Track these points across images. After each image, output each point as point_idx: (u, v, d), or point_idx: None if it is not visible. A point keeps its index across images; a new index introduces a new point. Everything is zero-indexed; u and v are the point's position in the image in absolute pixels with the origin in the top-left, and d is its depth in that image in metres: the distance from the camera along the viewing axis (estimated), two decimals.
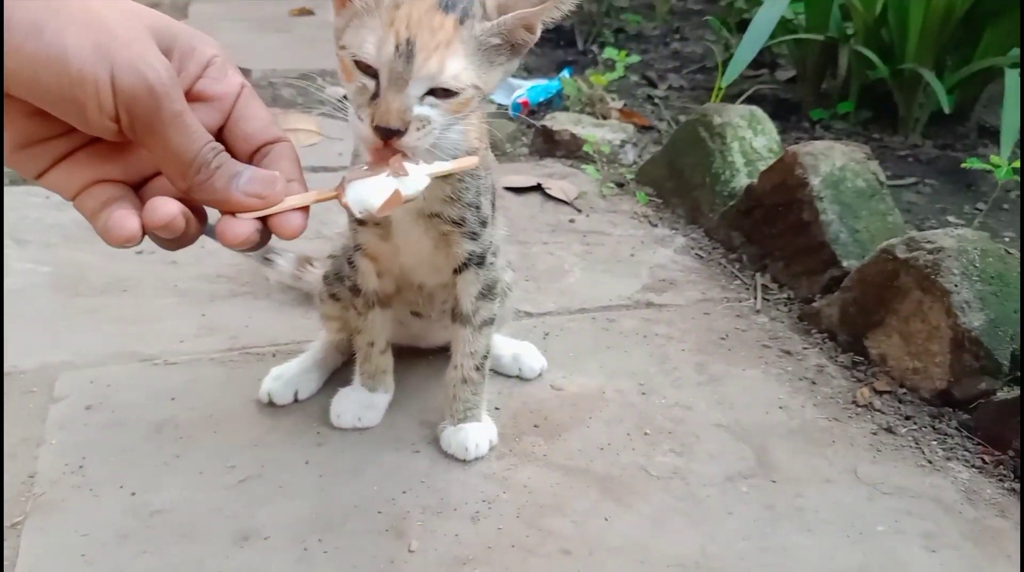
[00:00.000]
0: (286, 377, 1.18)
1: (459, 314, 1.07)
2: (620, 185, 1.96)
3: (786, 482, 1.08)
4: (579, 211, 1.83)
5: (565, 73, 2.54)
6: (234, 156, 0.62)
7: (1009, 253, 1.25)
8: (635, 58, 2.58)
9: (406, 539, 0.96)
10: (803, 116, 2.47)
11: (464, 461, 1.08)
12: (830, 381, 1.29)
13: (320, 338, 1.24)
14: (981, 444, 1.15)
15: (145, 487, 1.02)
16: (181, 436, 1.10)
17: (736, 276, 1.59)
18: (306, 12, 3.46)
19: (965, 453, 1.14)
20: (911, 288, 1.23)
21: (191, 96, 0.60)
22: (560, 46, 3.16)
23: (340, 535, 0.96)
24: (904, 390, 1.24)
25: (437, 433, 1.12)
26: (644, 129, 2.33)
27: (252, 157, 0.64)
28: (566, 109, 2.34)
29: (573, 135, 2.08)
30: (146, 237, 0.60)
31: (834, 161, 1.48)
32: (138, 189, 0.62)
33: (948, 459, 1.14)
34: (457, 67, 0.75)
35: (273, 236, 0.63)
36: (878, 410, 1.22)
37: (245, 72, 2.68)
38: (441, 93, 0.76)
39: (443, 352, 1.17)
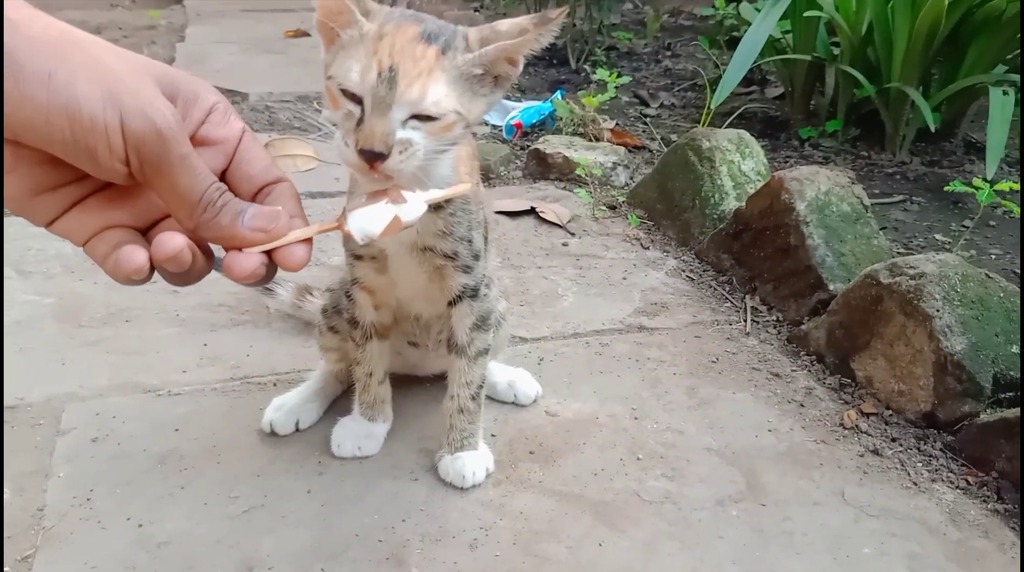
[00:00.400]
0: (288, 407, 1.21)
1: (454, 345, 1.10)
2: (612, 207, 2.00)
3: (775, 505, 1.11)
4: (572, 234, 1.87)
5: (558, 94, 2.58)
6: (238, 196, 0.65)
7: (989, 277, 1.28)
8: (626, 78, 2.62)
9: (406, 567, 0.99)
10: (792, 134, 2.51)
11: (462, 489, 1.11)
12: (818, 403, 1.33)
13: (320, 368, 1.27)
14: (965, 465, 1.18)
15: (151, 518, 1.04)
16: (185, 467, 1.13)
17: (726, 298, 1.62)
18: (301, 33, 3.50)
19: (950, 474, 1.17)
20: (895, 312, 1.26)
21: (195, 140, 0.63)
22: (553, 64, 3.20)
23: (342, 564, 0.99)
24: (890, 412, 1.28)
25: (435, 461, 1.14)
26: (636, 149, 2.36)
27: (255, 197, 0.67)
28: (559, 130, 2.38)
29: (566, 158, 2.11)
30: (155, 273, 0.62)
31: (819, 186, 1.51)
32: (145, 233, 0.64)
33: (933, 480, 1.17)
34: (438, 93, 0.78)
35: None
36: (865, 432, 1.26)
37: (242, 96, 2.72)
38: (423, 118, 0.79)
39: (439, 380, 1.21)
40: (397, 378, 1.21)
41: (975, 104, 2.45)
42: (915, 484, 1.16)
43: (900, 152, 2.33)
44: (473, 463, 1.12)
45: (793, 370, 1.41)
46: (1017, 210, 1.76)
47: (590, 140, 2.29)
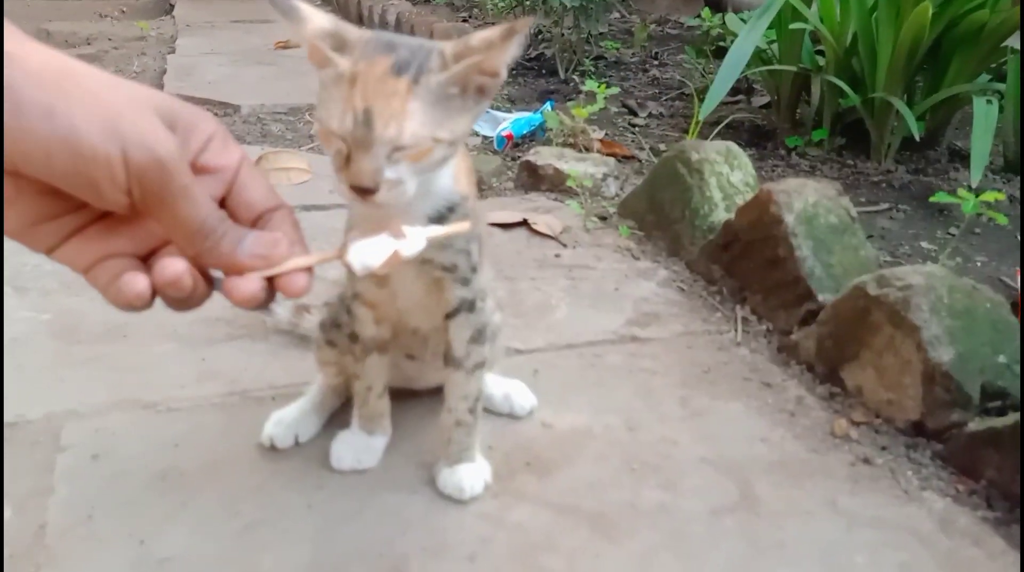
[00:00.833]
0: (287, 421, 1.22)
1: (451, 358, 1.11)
2: (603, 218, 2.02)
3: (768, 515, 1.13)
4: (564, 245, 1.89)
5: (547, 105, 2.60)
6: (238, 223, 0.66)
7: (976, 288, 1.31)
8: (615, 89, 2.64)
9: None
10: (779, 143, 2.54)
11: (460, 501, 1.13)
12: (809, 412, 1.35)
13: (318, 382, 1.28)
14: (954, 474, 1.20)
15: (153, 536, 1.05)
16: (185, 483, 1.14)
17: (717, 308, 1.64)
18: (291, 45, 3.51)
19: (939, 483, 1.19)
20: (883, 323, 1.29)
21: (195, 169, 0.64)
22: (542, 75, 3.22)
23: None
24: (880, 421, 1.30)
25: (433, 474, 1.16)
26: (625, 159, 2.39)
27: (254, 224, 0.68)
28: (549, 141, 2.40)
29: (556, 169, 2.13)
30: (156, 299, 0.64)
31: (807, 198, 1.54)
32: (145, 260, 0.66)
33: (923, 489, 1.19)
34: (413, 127, 0.79)
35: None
36: (855, 441, 1.28)
37: (234, 108, 2.73)
38: (404, 148, 0.81)
39: (436, 393, 1.22)
40: (395, 393, 1.23)
41: (959, 113, 2.49)
42: (905, 492, 1.18)
43: (885, 161, 2.36)
44: (471, 476, 1.13)
45: (784, 380, 1.43)
46: (1002, 219, 1.79)
47: (580, 151, 2.31)
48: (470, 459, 1.15)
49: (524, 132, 2.51)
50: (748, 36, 2.21)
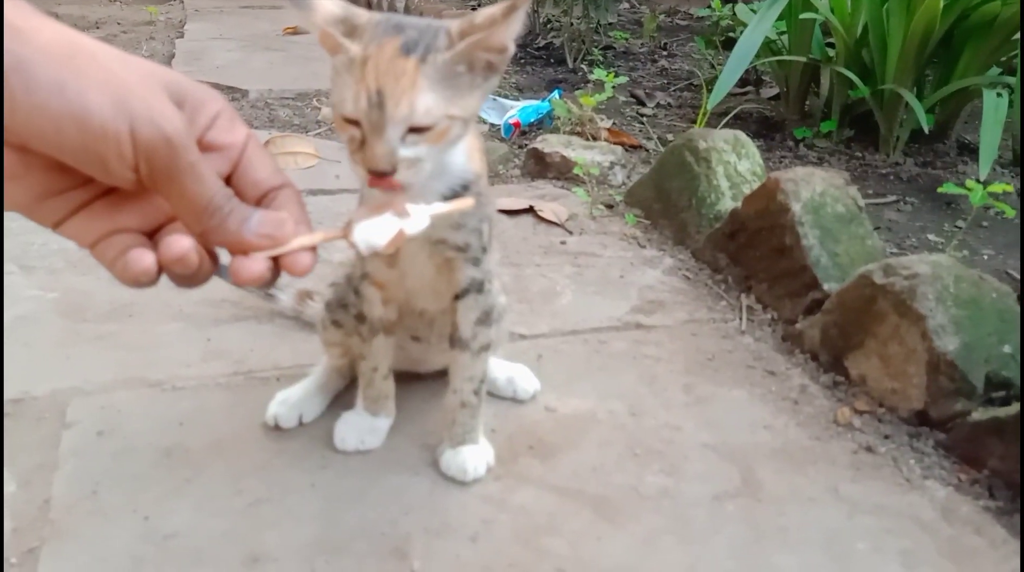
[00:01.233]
0: (291, 401, 1.23)
1: (458, 340, 1.11)
2: (609, 206, 2.02)
3: (771, 501, 1.14)
4: (570, 233, 1.89)
5: (555, 94, 2.60)
6: (243, 201, 0.66)
7: (983, 278, 1.31)
8: (623, 78, 2.64)
9: (409, 560, 1.01)
10: (787, 134, 2.53)
11: (463, 483, 1.13)
12: (812, 401, 1.35)
13: (322, 363, 1.28)
14: (957, 463, 1.20)
15: (158, 512, 1.06)
16: (190, 461, 1.15)
17: (722, 297, 1.64)
18: (300, 31, 3.51)
19: (942, 472, 1.19)
20: (888, 312, 1.28)
21: (202, 146, 0.64)
22: (550, 64, 3.22)
23: (346, 557, 1.01)
24: (883, 410, 1.30)
25: (436, 456, 1.16)
26: (632, 148, 2.39)
27: (259, 202, 0.69)
28: (556, 129, 2.40)
29: (564, 157, 2.13)
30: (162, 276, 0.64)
31: (814, 187, 1.53)
32: (151, 237, 0.66)
33: (925, 477, 1.19)
34: (426, 104, 0.80)
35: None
36: (858, 429, 1.28)
37: (242, 92, 2.73)
38: (419, 129, 0.81)
39: (440, 376, 1.22)
40: (400, 376, 1.23)
41: (968, 106, 2.48)
42: (908, 481, 1.18)
43: (894, 153, 2.35)
44: (474, 457, 1.14)
45: (788, 368, 1.43)
46: (1009, 212, 1.78)
47: (587, 139, 2.31)
48: (473, 441, 1.15)
49: (532, 120, 2.51)
50: (758, 26, 2.21)
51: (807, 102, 2.64)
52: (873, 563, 1.04)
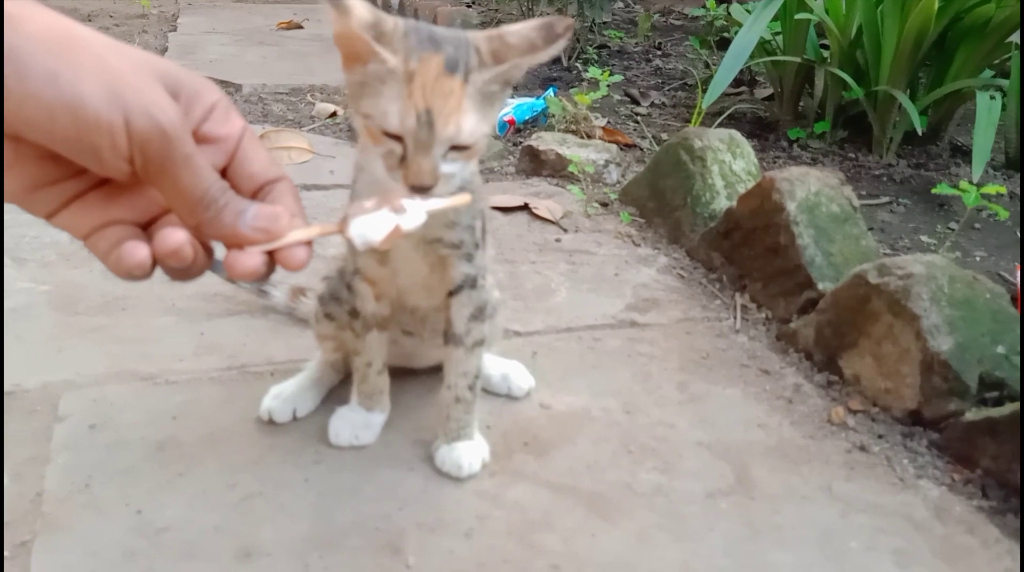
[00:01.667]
0: (285, 396, 1.22)
1: (452, 336, 1.11)
2: (604, 205, 2.02)
3: (764, 499, 1.14)
4: (565, 230, 1.89)
5: (550, 92, 2.60)
6: (238, 193, 0.66)
7: (976, 279, 1.31)
8: (618, 77, 2.64)
9: (403, 556, 1.00)
10: (781, 135, 2.54)
11: (458, 479, 1.13)
12: (806, 400, 1.35)
13: (316, 358, 1.28)
14: (950, 463, 1.20)
15: (150, 506, 1.05)
16: (183, 455, 1.14)
17: (716, 296, 1.65)
18: (294, 26, 3.50)
19: (935, 471, 1.20)
20: (882, 312, 1.29)
21: (197, 138, 0.63)
22: (545, 62, 3.21)
23: (340, 552, 1.00)
24: (877, 409, 1.30)
25: (431, 451, 1.16)
26: (627, 147, 2.39)
27: (255, 195, 0.68)
28: (551, 127, 2.40)
29: (558, 155, 2.13)
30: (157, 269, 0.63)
31: (809, 186, 1.54)
32: (145, 229, 0.65)
33: (919, 477, 1.19)
34: (470, 124, 0.81)
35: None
36: (852, 428, 1.28)
37: (235, 87, 2.72)
38: (459, 147, 0.82)
39: (435, 372, 1.22)
40: (394, 371, 1.23)
41: (961, 108, 2.49)
42: (901, 480, 1.18)
43: (887, 154, 2.36)
44: (469, 453, 1.13)
45: (782, 367, 1.43)
46: (1003, 214, 1.79)
47: (582, 137, 2.31)
48: (468, 437, 1.15)
49: (526, 118, 2.51)
50: (753, 26, 2.21)
51: (801, 103, 2.64)
52: (866, 562, 1.04)
